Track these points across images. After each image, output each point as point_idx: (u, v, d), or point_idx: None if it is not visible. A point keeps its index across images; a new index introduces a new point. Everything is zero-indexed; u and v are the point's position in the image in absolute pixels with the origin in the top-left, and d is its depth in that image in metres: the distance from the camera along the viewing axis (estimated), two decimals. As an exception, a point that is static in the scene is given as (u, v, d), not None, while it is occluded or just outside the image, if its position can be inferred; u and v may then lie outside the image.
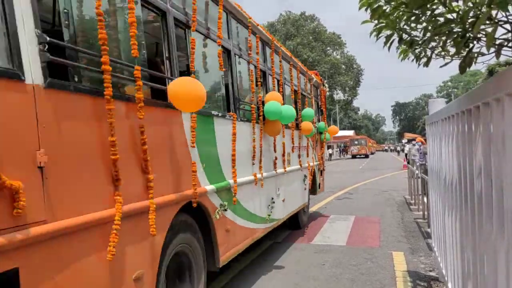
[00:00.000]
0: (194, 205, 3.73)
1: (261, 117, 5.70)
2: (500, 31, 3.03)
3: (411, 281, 5.21)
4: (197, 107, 3.36)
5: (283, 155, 6.77)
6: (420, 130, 79.67)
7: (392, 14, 2.99)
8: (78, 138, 2.43)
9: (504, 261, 2.11)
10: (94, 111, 2.56)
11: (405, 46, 3.15)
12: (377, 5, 2.82)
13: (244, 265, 6.06)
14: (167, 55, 3.57)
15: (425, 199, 8.90)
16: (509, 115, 1.94)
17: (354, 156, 56.42)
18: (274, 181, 6.36)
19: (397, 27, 3.03)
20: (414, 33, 3.13)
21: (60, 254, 2.26)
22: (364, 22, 3.15)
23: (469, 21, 2.57)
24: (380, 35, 3.16)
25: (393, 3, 2.85)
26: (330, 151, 57.09)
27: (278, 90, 6.77)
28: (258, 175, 5.52)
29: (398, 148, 63.92)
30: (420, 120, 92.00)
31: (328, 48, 59.92)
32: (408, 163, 20.19)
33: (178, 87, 3.21)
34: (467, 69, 2.84)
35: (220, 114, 4.50)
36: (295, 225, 8.51)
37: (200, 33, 4.15)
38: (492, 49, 2.85)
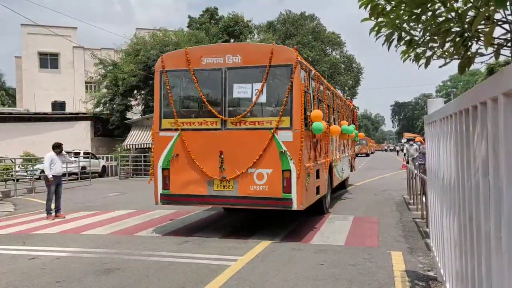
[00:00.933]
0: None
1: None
2: (499, 31, 3.03)
3: (409, 281, 5.21)
4: (334, 134, 10.70)
5: (344, 147, 13.94)
6: (420, 129, 79.66)
7: (392, 13, 2.98)
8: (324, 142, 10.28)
9: (502, 261, 2.11)
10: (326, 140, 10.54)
11: (404, 46, 3.14)
12: (376, 3, 2.81)
13: (242, 265, 6.06)
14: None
15: (423, 199, 8.89)
16: (506, 115, 1.94)
17: (356, 155, 56.84)
18: (342, 159, 13.36)
19: (397, 26, 3.02)
20: (413, 32, 3.12)
21: (322, 168, 9.52)
22: (363, 19, 3.14)
23: (468, 20, 2.56)
24: (379, 34, 3.15)
25: (393, 2, 2.84)
26: None
27: (345, 119, 14.00)
28: (339, 155, 12.66)
29: (398, 148, 63.98)
30: (420, 120, 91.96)
31: (328, 47, 59.89)
32: (407, 162, 20.19)
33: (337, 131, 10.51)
34: (466, 70, 2.83)
35: None
36: (343, 187, 15.56)
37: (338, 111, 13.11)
38: (491, 49, 2.84)
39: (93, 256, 6.77)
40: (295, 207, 7.58)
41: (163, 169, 8.34)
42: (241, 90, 8.11)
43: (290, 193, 7.56)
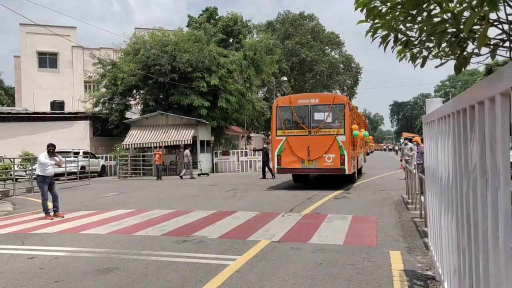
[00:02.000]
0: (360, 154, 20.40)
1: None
2: (495, 31, 3.03)
3: (407, 280, 5.22)
4: (359, 137, 18.70)
5: (361, 146, 20.79)
6: (418, 129, 79.81)
7: (388, 15, 2.99)
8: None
9: (499, 260, 2.12)
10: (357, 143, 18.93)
11: (400, 46, 3.15)
12: (372, 5, 2.82)
13: (240, 264, 6.07)
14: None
15: (422, 198, 8.90)
16: (503, 114, 1.95)
17: None
18: (361, 153, 20.76)
19: (393, 27, 3.03)
20: (409, 33, 3.13)
21: (354, 156, 17.26)
22: (360, 22, 3.15)
23: (463, 20, 2.57)
24: (376, 35, 3.16)
25: (388, 3, 2.85)
26: None
27: (362, 128, 20.59)
28: (360, 150, 19.97)
29: (396, 148, 64.13)
30: (418, 120, 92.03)
31: (327, 47, 59.90)
32: (407, 162, 20.23)
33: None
34: (462, 70, 2.84)
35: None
36: (359, 173, 20.97)
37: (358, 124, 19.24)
38: (488, 49, 2.85)
39: (92, 256, 6.78)
40: (346, 172, 15.19)
41: (277, 156, 15.92)
42: (318, 116, 15.64)
43: (344, 166, 15.08)
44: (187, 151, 24.63)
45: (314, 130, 15.40)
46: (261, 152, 25.29)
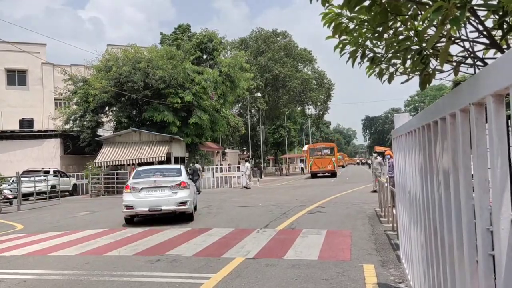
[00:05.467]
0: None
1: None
2: (458, 49, 3.15)
3: (381, 294, 5.25)
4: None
5: (337, 161, 47.52)
6: (390, 143, 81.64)
7: (355, 31, 3.07)
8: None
9: (464, 273, 2.15)
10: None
11: (367, 62, 3.23)
12: (339, 21, 2.88)
13: (215, 283, 5.98)
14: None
15: (394, 211, 9.02)
16: (463, 130, 2.01)
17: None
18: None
19: (360, 43, 3.10)
20: (376, 50, 3.21)
21: (337, 166, 50.59)
22: (328, 37, 3.22)
23: (427, 38, 2.66)
24: (344, 51, 3.23)
25: (355, 20, 2.92)
26: (302, 165, 58.21)
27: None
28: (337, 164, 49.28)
29: (369, 161, 65.25)
30: (389, 134, 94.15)
31: (299, 64, 60.67)
32: (378, 176, 20.48)
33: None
34: (427, 86, 2.93)
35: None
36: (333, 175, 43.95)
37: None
38: (451, 66, 2.95)
39: (61, 278, 6.56)
40: (336, 172, 43.22)
41: (310, 166, 43.64)
42: (324, 151, 43.82)
43: (335, 170, 43.05)
44: (198, 165, 25.19)
45: (324, 156, 41.38)
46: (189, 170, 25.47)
